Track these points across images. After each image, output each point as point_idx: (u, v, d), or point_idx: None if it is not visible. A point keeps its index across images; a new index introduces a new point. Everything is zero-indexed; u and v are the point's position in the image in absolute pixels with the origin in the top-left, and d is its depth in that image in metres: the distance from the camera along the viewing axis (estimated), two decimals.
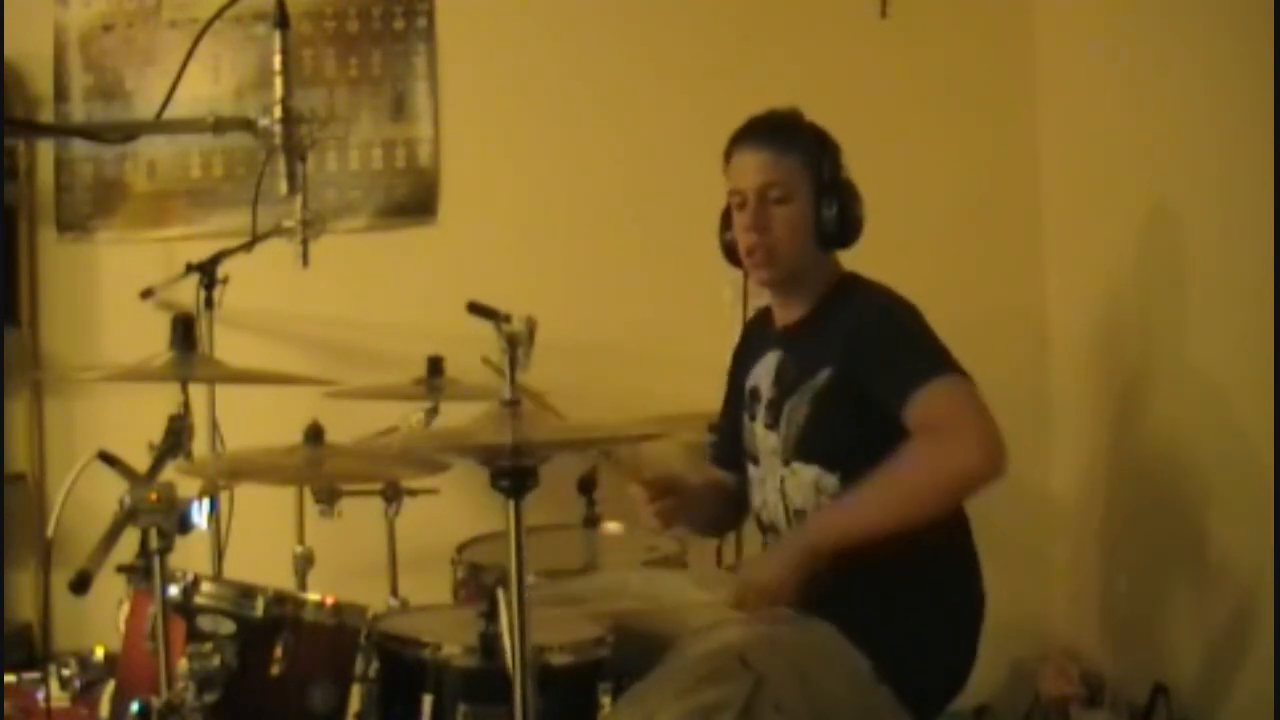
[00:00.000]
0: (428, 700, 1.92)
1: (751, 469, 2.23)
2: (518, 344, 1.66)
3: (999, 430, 1.90)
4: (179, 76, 1.81)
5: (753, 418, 2.21)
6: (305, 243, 2.07)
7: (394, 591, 2.95)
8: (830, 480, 2.05)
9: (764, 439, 2.17)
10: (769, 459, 2.16)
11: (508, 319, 1.68)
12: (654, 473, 2.31)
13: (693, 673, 1.88)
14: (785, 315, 2.22)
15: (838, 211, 2.10)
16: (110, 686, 2.16)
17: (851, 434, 2.03)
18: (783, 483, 2.12)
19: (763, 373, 2.21)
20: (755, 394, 2.22)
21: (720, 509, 2.39)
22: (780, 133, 2.14)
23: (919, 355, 1.99)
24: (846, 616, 1.97)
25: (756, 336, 2.32)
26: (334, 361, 3.33)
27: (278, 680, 1.99)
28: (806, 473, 2.08)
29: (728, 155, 2.18)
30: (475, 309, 1.74)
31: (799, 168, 2.11)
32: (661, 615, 2.12)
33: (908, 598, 2.00)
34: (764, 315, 2.31)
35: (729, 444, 2.36)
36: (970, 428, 1.90)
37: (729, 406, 2.37)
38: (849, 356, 2.03)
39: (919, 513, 1.92)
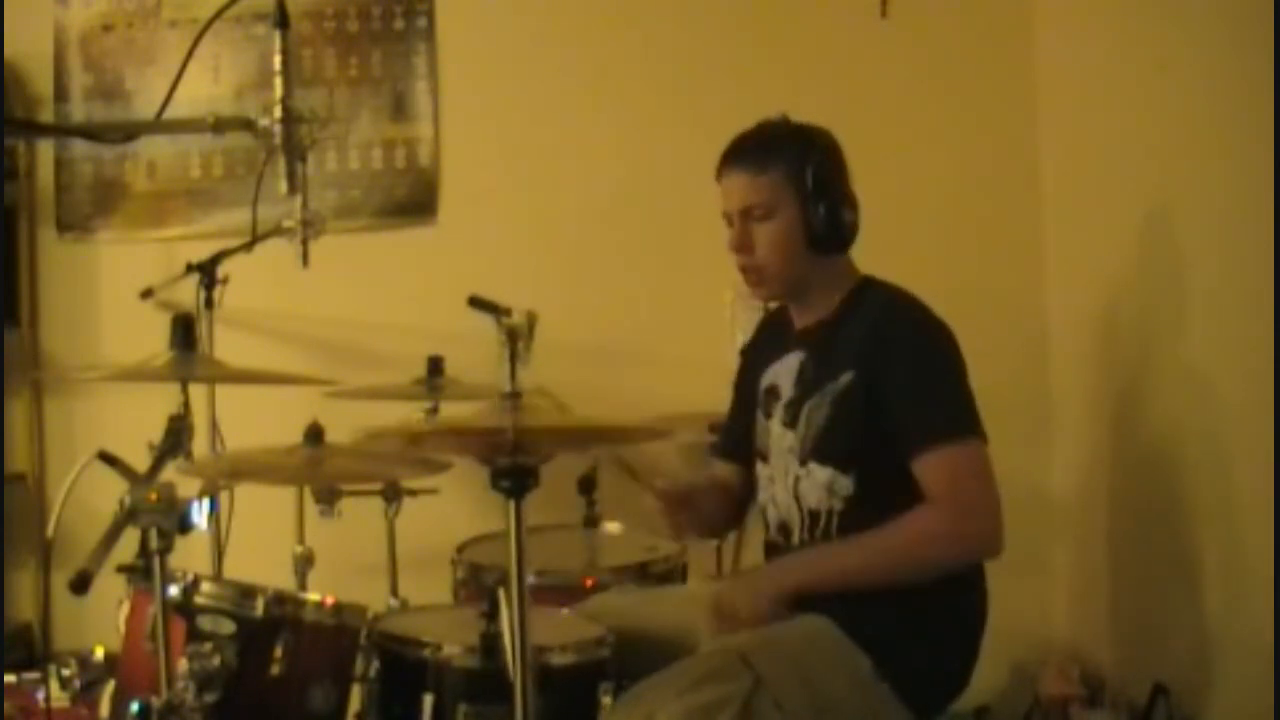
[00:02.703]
0: (428, 700, 1.92)
1: (760, 467, 2.23)
2: (518, 338, 1.66)
3: (1002, 512, 1.95)
4: (179, 76, 1.81)
5: (769, 415, 2.21)
6: (305, 243, 2.06)
7: (394, 591, 2.95)
8: (844, 482, 2.05)
9: (780, 437, 2.17)
10: (783, 457, 2.16)
11: (508, 313, 1.68)
12: (666, 482, 2.32)
13: (693, 671, 1.88)
14: (803, 319, 2.22)
15: (826, 215, 2.10)
16: (110, 686, 2.16)
17: (868, 438, 2.04)
18: (797, 482, 2.12)
19: (783, 372, 2.21)
20: (774, 392, 2.22)
21: (722, 509, 2.40)
22: (758, 149, 2.15)
23: (945, 402, 2.01)
24: (848, 614, 1.98)
25: (773, 335, 2.32)
26: (334, 361, 3.33)
27: (278, 680, 1.99)
28: (821, 473, 2.08)
29: (718, 178, 2.20)
30: (476, 303, 1.75)
31: (780, 181, 2.11)
32: (662, 627, 2.12)
33: (911, 596, 2.00)
34: (780, 313, 2.31)
35: (734, 437, 2.37)
36: (987, 514, 1.95)
37: (739, 401, 2.38)
38: (870, 361, 2.04)
39: (909, 579, 1.97)
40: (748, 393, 2.31)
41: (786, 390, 2.18)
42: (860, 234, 2.20)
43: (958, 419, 1.99)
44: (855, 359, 2.06)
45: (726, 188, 2.17)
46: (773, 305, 2.37)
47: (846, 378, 2.06)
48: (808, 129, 2.17)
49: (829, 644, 1.97)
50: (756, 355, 2.35)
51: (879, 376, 2.03)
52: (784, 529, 2.17)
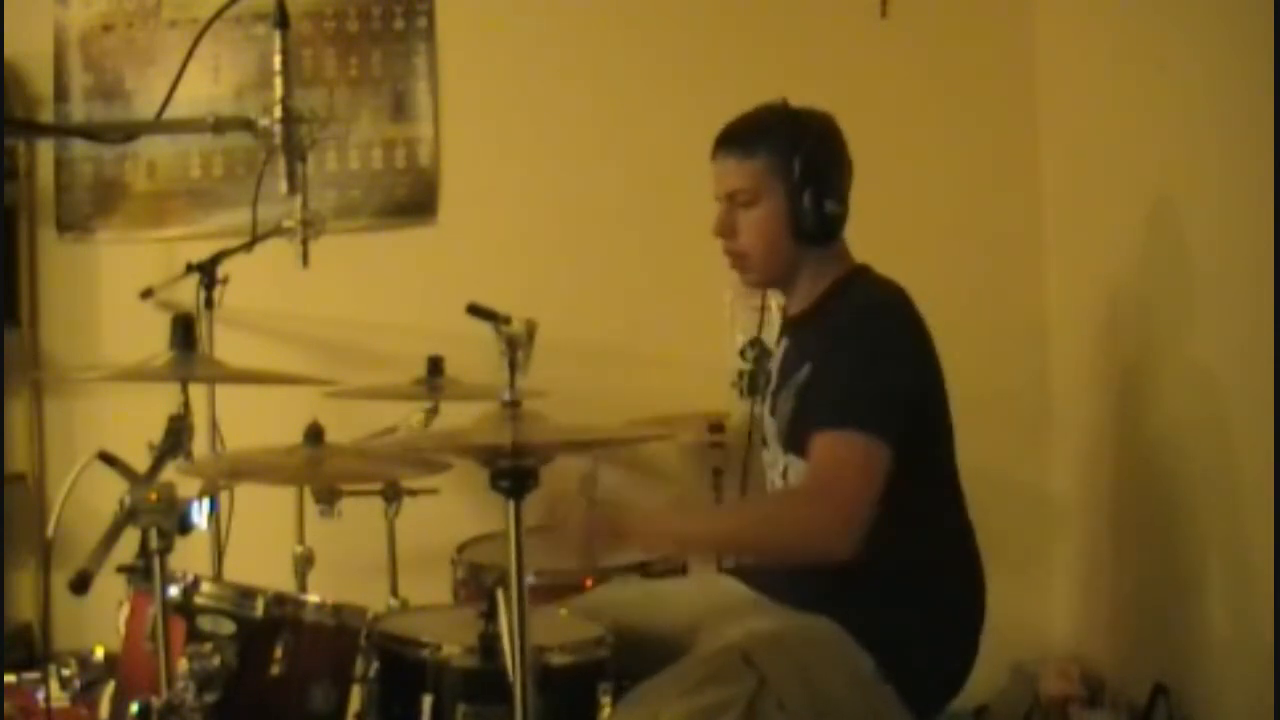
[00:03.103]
0: (428, 700, 1.92)
1: (764, 453, 2.24)
2: (517, 346, 1.66)
3: (868, 514, 1.87)
4: (179, 76, 1.82)
5: (762, 401, 2.25)
6: (305, 243, 2.06)
7: (394, 591, 2.95)
8: None
9: (769, 425, 2.19)
10: (773, 443, 2.18)
11: (507, 321, 1.68)
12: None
13: (696, 672, 1.88)
14: (791, 307, 2.24)
15: (812, 205, 2.09)
16: (110, 686, 2.16)
17: None
18: (785, 470, 2.13)
19: (776, 360, 2.24)
20: (768, 378, 2.25)
21: None
22: (746, 135, 2.15)
23: (857, 393, 1.96)
24: (850, 615, 1.98)
25: (781, 323, 2.34)
26: (334, 361, 3.33)
27: (278, 680, 1.99)
28: (797, 464, 2.09)
29: (711, 160, 2.20)
30: (475, 311, 1.74)
31: (766, 168, 2.11)
32: (663, 622, 2.12)
33: (911, 597, 2.00)
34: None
35: None
36: (851, 516, 1.87)
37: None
38: (823, 357, 2.04)
39: (766, 559, 2.02)
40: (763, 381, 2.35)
41: (774, 378, 2.21)
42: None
43: (860, 411, 1.93)
44: (816, 354, 2.06)
45: (715, 173, 2.17)
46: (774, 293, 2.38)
47: (805, 371, 2.07)
48: (803, 115, 2.16)
49: (832, 645, 1.97)
50: (776, 341, 2.37)
51: (821, 370, 2.03)
52: None
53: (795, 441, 2.08)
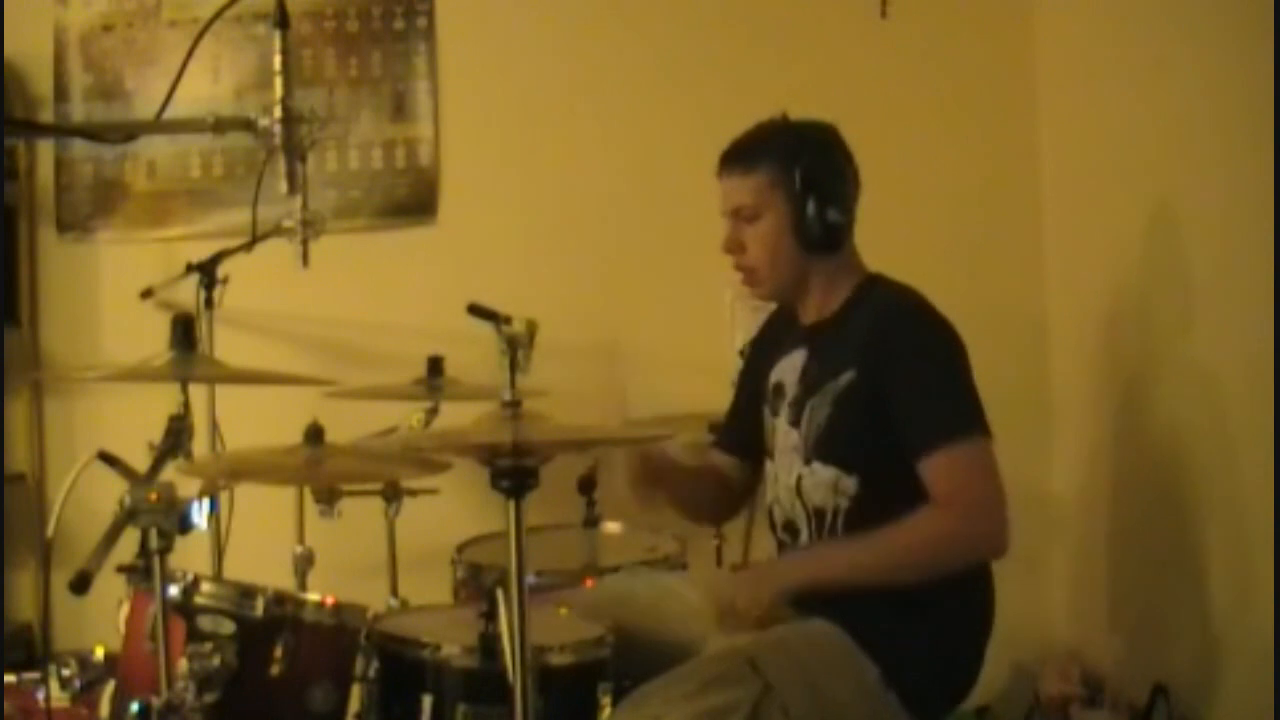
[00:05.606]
0: (427, 700, 1.92)
1: (767, 464, 2.23)
2: (518, 346, 1.66)
3: (1008, 510, 1.96)
4: (179, 76, 1.82)
5: (775, 413, 2.22)
6: (305, 243, 2.06)
7: (394, 591, 2.95)
8: (849, 482, 2.06)
9: (785, 435, 2.17)
10: (787, 455, 2.16)
11: (508, 321, 1.69)
12: (650, 453, 2.30)
13: (701, 675, 1.88)
14: (807, 316, 2.23)
15: (817, 215, 2.11)
16: (110, 686, 2.16)
17: (871, 437, 2.04)
18: (800, 481, 2.12)
19: (789, 368, 2.22)
20: (779, 389, 2.22)
21: (715, 496, 2.39)
22: (748, 151, 2.17)
23: (947, 400, 2.01)
24: (856, 621, 1.98)
25: (781, 329, 2.32)
26: (334, 361, 3.33)
27: (278, 680, 1.99)
28: (825, 473, 2.08)
29: (717, 178, 2.22)
30: (475, 311, 1.74)
31: (767, 183, 2.13)
32: (667, 625, 2.12)
33: (919, 604, 2.00)
34: (789, 308, 2.31)
35: (734, 431, 2.38)
36: (993, 514, 1.96)
37: (742, 394, 2.38)
38: (871, 361, 2.05)
39: (916, 579, 1.97)
40: (753, 388, 2.32)
41: (791, 388, 2.19)
42: (860, 235, 2.21)
43: (960, 417, 1.99)
44: (857, 358, 2.06)
45: (721, 189, 2.20)
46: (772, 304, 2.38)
47: (848, 377, 2.06)
48: (802, 127, 2.18)
49: (837, 651, 1.97)
50: (764, 350, 2.35)
51: (881, 375, 2.03)
52: (790, 528, 2.17)
53: (832, 450, 2.08)
